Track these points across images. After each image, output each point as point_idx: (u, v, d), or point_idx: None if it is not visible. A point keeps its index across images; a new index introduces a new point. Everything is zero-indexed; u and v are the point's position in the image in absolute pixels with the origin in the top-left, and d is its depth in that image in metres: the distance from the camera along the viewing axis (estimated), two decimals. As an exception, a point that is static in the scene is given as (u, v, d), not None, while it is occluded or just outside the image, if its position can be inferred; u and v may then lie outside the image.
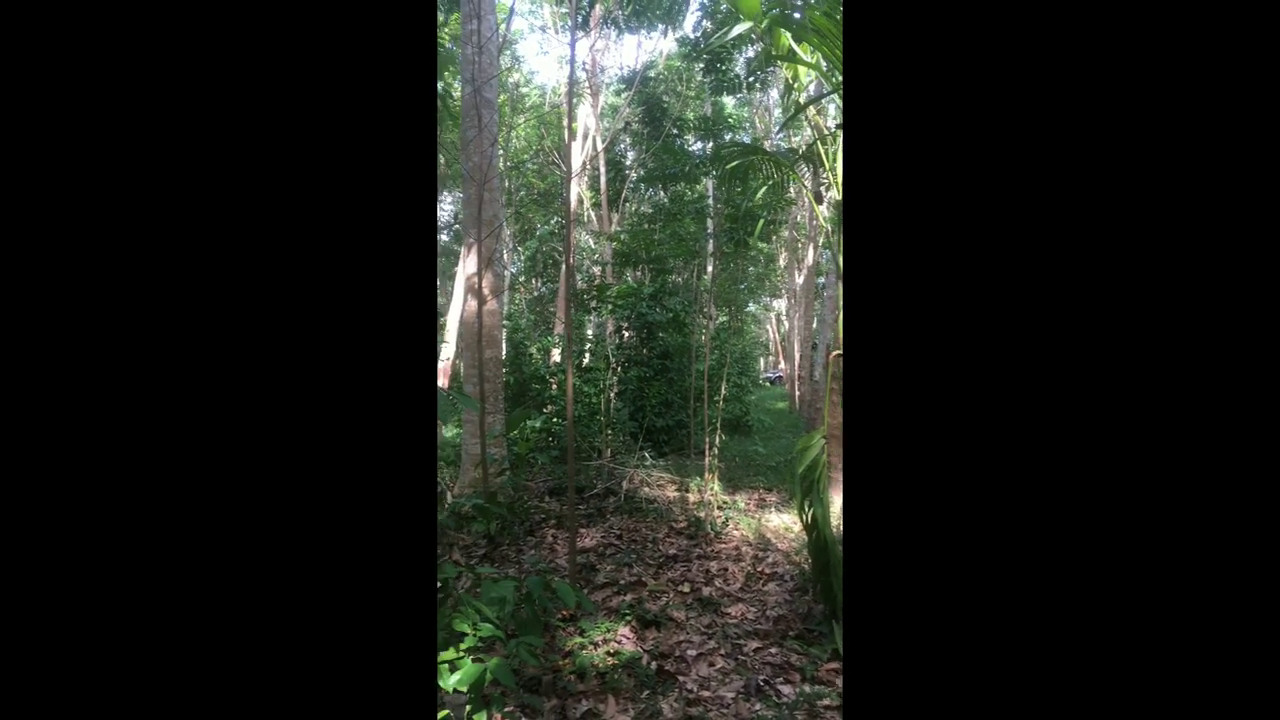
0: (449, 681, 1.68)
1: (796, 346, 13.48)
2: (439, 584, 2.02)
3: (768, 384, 22.55)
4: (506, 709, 2.11)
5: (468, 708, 1.76)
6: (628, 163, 11.14)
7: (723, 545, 4.13)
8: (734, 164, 3.84)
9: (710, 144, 8.73)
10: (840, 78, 2.69)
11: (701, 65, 7.99)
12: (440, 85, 4.95)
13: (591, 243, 12.05)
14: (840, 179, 3.08)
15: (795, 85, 3.63)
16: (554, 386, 7.11)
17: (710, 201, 8.71)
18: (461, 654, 1.79)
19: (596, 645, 2.69)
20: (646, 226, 9.05)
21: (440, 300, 12.54)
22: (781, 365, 23.13)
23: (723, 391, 5.74)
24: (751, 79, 7.70)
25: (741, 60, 7.85)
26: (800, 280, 12.77)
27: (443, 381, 8.91)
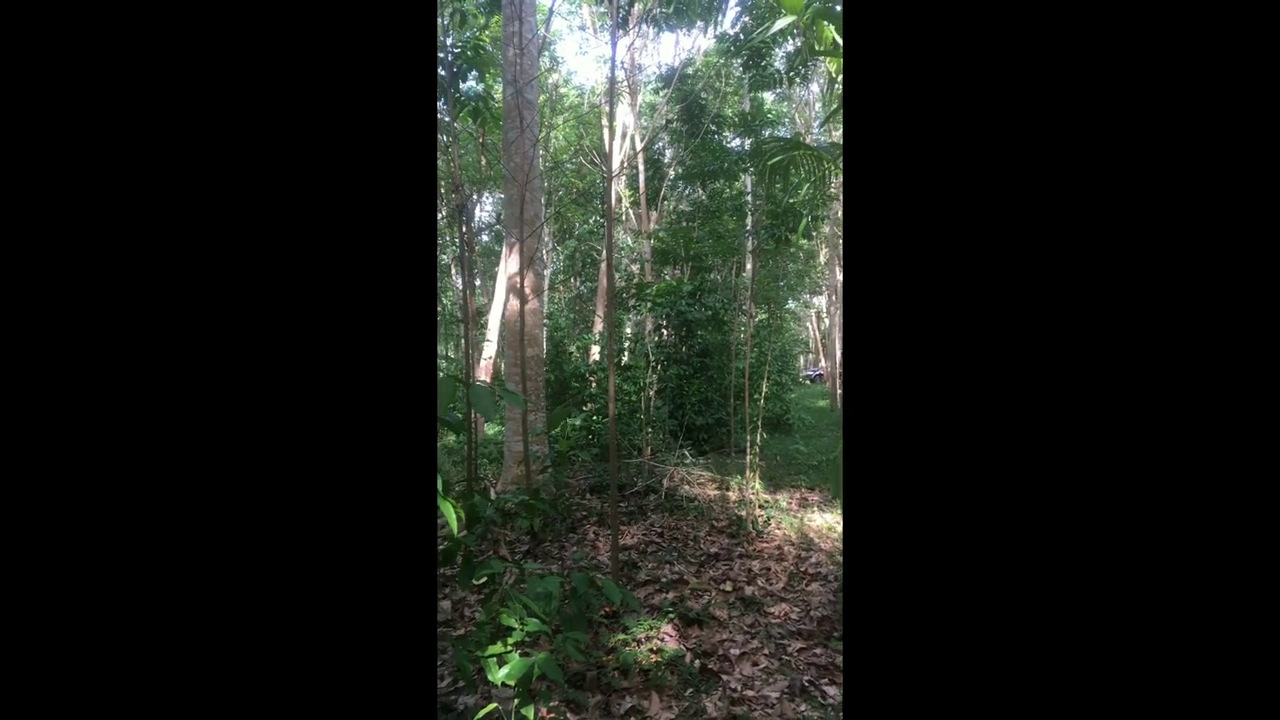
0: (498, 675, 1.71)
1: (837, 344, 13.30)
2: (486, 579, 2.06)
3: (808, 382, 22.29)
4: (552, 703, 2.13)
5: (515, 701, 1.79)
6: (666, 161, 11.14)
7: (764, 544, 4.10)
8: (775, 160, 3.80)
9: (749, 140, 8.67)
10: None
11: (741, 61, 7.92)
12: (482, 87, 5.01)
13: (630, 241, 12.09)
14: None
15: (839, 79, 3.58)
16: (593, 385, 7.15)
17: (749, 198, 8.66)
18: (509, 648, 1.82)
19: (639, 642, 2.70)
20: (685, 224, 9.03)
21: (482, 300, 12.71)
22: (822, 363, 22.85)
23: (763, 389, 5.70)
24: (792, 74, 7.61)
25: (782, 55, 7.77)
26: (841, 277, 12.59)
27: (485, 379, 9.04)
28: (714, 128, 9.76)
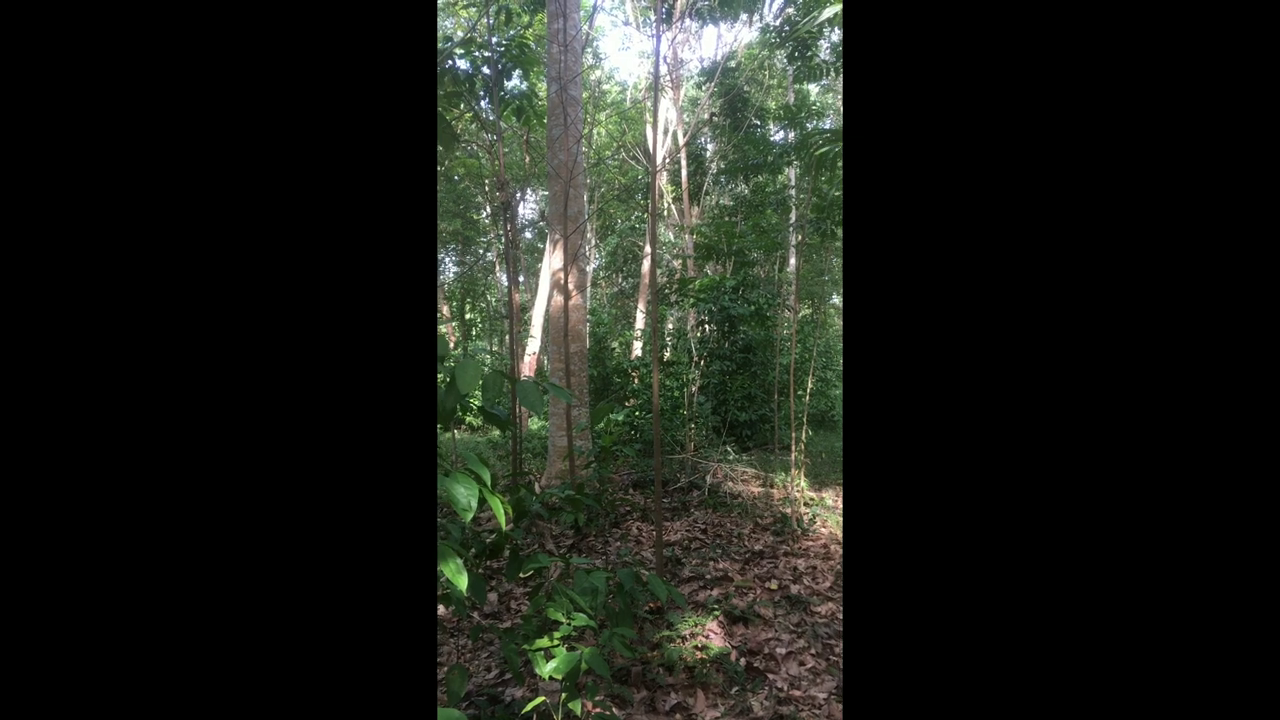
0: (545, 669, 1.72)
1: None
2: (533, 572, 2.08)
3: (853, 378, 21.88)
4: (598, 697, 2.14)
5: (563, 695, 1.80)
6: (708, 155, 11.07)
7: (810, 542, 4.05)
8: (822, 151, 3.74)
9: (793, 133, 8.54)
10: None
11: (785, 53, 7.81)
12: (526, 85, 5.06)
13: (672, 236, 12.05)
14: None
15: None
16: (636, 380, 7.16)
17: (792, 192, 8.53)
18: (556, 642, 1.83)
19: (684, 639, 2.70)
20: (728, 219, 8.96)
21: (526, 296, 12.85)
22: (867, 359, 22.34)
23: (808, 385, 5.61)
24: (839, 64, 7.46)
25: (828, 45, 7.62)
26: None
27: (529, 374, 9.14)
28: (757, 121, 9.64)
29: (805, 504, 4.79)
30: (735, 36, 9.93)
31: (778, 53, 8.94)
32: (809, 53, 7.38)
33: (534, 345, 9.77)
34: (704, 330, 7.78)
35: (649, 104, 11.57)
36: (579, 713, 1.79)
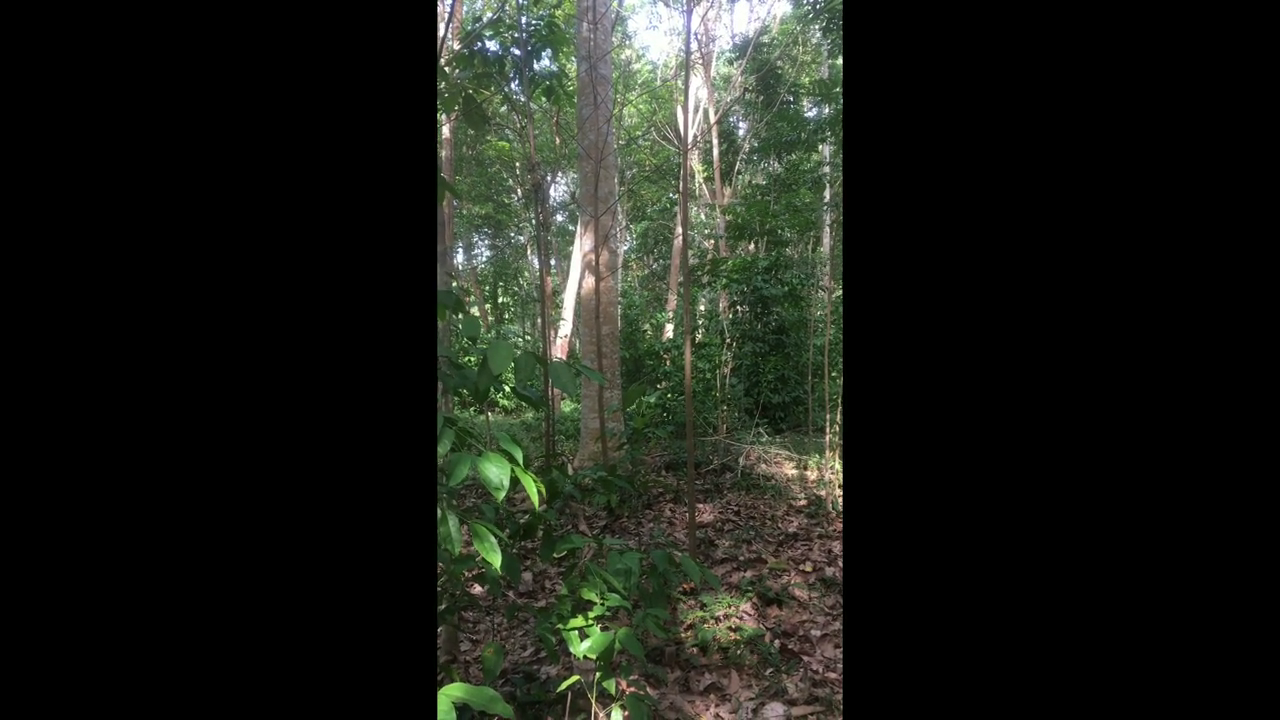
0: (580, 648, 1.73)
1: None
2: (567, 552, 2.09)
3: (888, 359, 21.56)
4: (632, 677, 2.15)
5: (598, 674, 1.81)
6: (740, 134, 10.89)
7: (845, 525, 4.00)
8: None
9: (828, 108, 8.35)
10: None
11: (820, 25, 7.61)
12: (555, 65, 5.01)
13: (704, 217, 11.93)
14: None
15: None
16: (667, 362, 7.14)
17: (826, 169, 8.36)
18: (590, 622, 1.84)
19: (718, 620, 2.69)
20: (760, 198, 8.82)
21: (556, 279, 12.88)
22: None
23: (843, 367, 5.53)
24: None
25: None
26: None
27: (561, 358, 9.19)
28: (790, 98, 9.44)
29: (840, 486, 4.73)
30: (768, 10, 9.71)
31: (812, 26, 8.70)
32: (844, 25, 7.16)
33: (566, 328, 9.80)
34: (736, 312, 7.70)
35: (679, 82, 11.42)
36: (613, 692, 1.80)
